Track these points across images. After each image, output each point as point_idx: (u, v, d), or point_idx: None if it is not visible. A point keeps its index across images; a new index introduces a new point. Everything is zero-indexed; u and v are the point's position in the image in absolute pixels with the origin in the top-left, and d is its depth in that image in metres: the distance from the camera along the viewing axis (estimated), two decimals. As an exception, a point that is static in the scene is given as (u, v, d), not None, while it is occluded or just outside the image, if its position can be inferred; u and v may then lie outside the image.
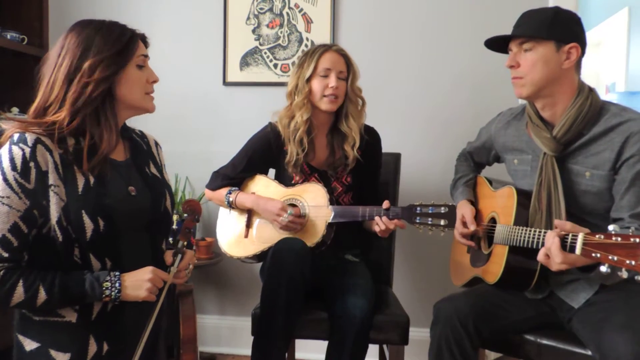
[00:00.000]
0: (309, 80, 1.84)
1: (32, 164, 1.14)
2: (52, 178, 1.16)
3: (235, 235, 1.93)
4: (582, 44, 1.50)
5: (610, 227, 1.17)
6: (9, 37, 2.35)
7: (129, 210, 1.25)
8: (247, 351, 1.72)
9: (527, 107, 1.61)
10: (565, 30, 1.48)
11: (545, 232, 1.37)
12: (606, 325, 1.35)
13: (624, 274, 1.12)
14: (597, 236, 1.19)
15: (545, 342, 1.50)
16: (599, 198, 1.49)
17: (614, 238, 1.15)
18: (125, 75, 1.24)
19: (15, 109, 2.36)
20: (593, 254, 1.18)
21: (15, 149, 1.14)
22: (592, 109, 1.48)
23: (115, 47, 1.22)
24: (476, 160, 1.93)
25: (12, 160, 1.14)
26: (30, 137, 1.15)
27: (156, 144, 1.47)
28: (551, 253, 1.30)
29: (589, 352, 1.40)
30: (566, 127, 1.49)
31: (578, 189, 1.51)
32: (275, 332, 1.65)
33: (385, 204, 1.69)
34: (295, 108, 1.86)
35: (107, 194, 1.21)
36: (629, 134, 1.42)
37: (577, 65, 1.52)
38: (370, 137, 1.94)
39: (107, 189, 1.22)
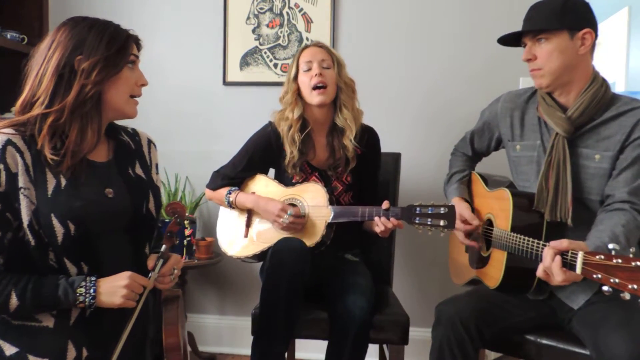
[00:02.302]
0: (295, 78, 1.87)
1: (1, 166, 1.11)
2: (22, 180, 1.13)
3: (235, 235, 1.93)
4: (595, 27, 1.52)
5: (610, 246, 1.16)
6: (9, 37, 2.35)
7: (103, 213, 1.21)
8: (247, 351, 1.72)
9: (539, 92, 1.62)
10: (576, 17, 1.50)
11: (543, 245, 1.37)
12: (603, 325, 1.35)
13: (627, 296, 1.11)
14: (597, 257, 1.17)
15: (545, 342, 1.50)
16: (606, 181, 1.51)
17: (614, 260, 1.14)
18: (117, 76, 1.22)
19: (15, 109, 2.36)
20: (594, 275, 1.17)
21: None
22: (605, 96, 1.52)
23: (113, 47, 1.20)
24: (476, 146, 1.89)
25: None
26: (0, 139, 1.12)
27: (149, 142, 1.42)
28: (552, 272, 1.29)
29: (589, 352, 1.40)
30: (581, 109, 1.51)
31: (586, 172, 1.52)
32: (275, 332, 1.65)
33: (385, 204, 1.69)
34: (286, 106, 1.89)
35: (79, 196, 1.17)
36: (639, 117, 1.47)
37: (591, 49, 1.54)
38: (369, 136, 1.94)
39: (79, 192, 1.18)
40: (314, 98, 1.84)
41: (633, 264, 1.11)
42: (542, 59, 1.52)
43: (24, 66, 1.23)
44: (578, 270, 1.21)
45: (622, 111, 1.49)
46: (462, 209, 1.72)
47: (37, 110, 1.16)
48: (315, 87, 1.83)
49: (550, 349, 1.49)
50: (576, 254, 1.22)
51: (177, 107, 2.61)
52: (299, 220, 1.78)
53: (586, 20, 1.51)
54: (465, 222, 1.71)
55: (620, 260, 1.13)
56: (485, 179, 1.81)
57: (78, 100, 1.17)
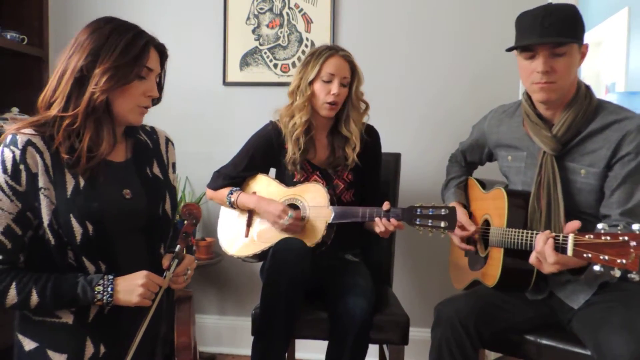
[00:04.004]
0: (311, 82, 1.82)
1: (22, 167, 1.14)
2: (42, 181, 1.15)
3: (236, 235, 1.93)
4: None
5: (599, 226, 1.17)
6: (9, 37, 2.35)
7: (120, 214, 1.23)
8: (247, 351, 1.72)
9: (523, 105, 1.60)
10: (583, 29, 1.46)
11: (537, 234, 1.37)
12: (604, 326, 1.35)
13: (617, 273, 1.12)
14: (586, 236, 1.18)
15: (545, 342, 1.50)
16: (593, 196, 1.49)
17: (603, 237, 1.14)
18: (126, 87, 1.22)
19: (15, 109, 2.36)
20: (584, 254, 1.17)
21: (6, 151, 1.14)
22: (590, 107, 1.48)
23: (127, 56, 1.19)
24: (469, 159, 1.92)
25: (2, 162, 1.14)
26: (21, 139, 1.14)
27: (167, 140, 1.44)
28: (545, 254, 1.29)
29: (589, 352, 1.40)
30: (566, 125, 1.48)
31: (574, 187, 1.51)
32: (275, 332, 1.65)
33: (386, 205, 1.69)
34: (295, 109, 1.86)
35: (97, 197, 1.19)
36: (625, 132, 1.43)
37: None
38: (370, 136, 1.94)
39: (97, 192, 1.20)
40: (323, 110, 1.84)
41: (620, 238, 1.11)
42: (560, 73, 1.43)
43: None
44: (569, 252, 1.22)
45: (607, 123, 1.46)
46: (459, 214, 1.72)
47: (54, 111, 1.19)
48: (327, 102, 1.82)
49: (550, 349, 1.49)
50: (567, 236, 1.23)
51: (176, 108, 2.60)
52: (299, 223, 1.78)
53: (584, 33, 1.47)
54: (462, 227, 1.71)
55: (609, 238, 1.13)
56: (482, 183, 1.82)
57: (89, 106, 1.19)
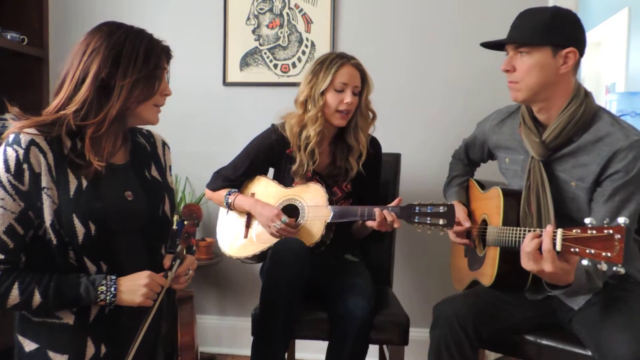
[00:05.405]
0: (323, 92, 1.80)
1: (25, 166, 1.13)
2: (44, 180, 1.15)
3: (235, 236, 1.93)
4: (581, 46, 1.46)
5: (587, 220, 1.17)
6: (9, 37, 2.35)
7: (122, 215, 1.24)
8: (247, 351, 1.72)
9: (522, 107, 1.60)
10: (562, 34, 1.44)
11: (533, 231, 1.37)
12: (606, 326, 1.35)
13: (604, 267, 1.13)
14: (574, 230, 1.19)
15: (545, 342, 1.50)
16: (585, 207, 1.48)
17: (589, 231, 1.16)
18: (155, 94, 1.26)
19: (14, 110, 2.36)
20: (572, 249, 1.19)
21: (9, 150, 1.14)
22: (585, 115, 1.45)
23: (151, 63, 1.22)
24: (471, 156, 1.92)
25: (5, 162, 1.14)
26: (24, 139, 1.14)
27: (164, 144, 1.45)
28: (545, 251, 1.27)
29: (589, 353, 1.40)
30: (556, 132, 1.46)
31: (567, 195, 1.50)
32: (275, 332, 1.65)
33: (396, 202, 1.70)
34: (308, 120, 1.83)
35: (99, 197, 1.20)
36: (617, 148, 1.39)
37: (575, 68, 1.48)
38: (372, 147, 1.93)
39: (100, 193, 1.20)
40: (336, 120, 1.83)
41: (605, 232, 1.13)
42: (520, 73, 1.45)
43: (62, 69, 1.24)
44: (558, 246, 1.22)
45: (600, 136, 1.43)
46: (457, 211, 1.71)
47: (70, 117, 1.17)
48: (339, 110, 1.81)
49: (550, 349, 1.49)
50: (556, 232, 1.23)
51: (177, 108, 2.59)
52: (291, 230, 1.76)
53: (572, 39, 1.44)
54: (457, 223, 1.71)
55: (595, 232, 1.15)
56: (481, 184, 1.82)
57: (118, 113, 1.20)
